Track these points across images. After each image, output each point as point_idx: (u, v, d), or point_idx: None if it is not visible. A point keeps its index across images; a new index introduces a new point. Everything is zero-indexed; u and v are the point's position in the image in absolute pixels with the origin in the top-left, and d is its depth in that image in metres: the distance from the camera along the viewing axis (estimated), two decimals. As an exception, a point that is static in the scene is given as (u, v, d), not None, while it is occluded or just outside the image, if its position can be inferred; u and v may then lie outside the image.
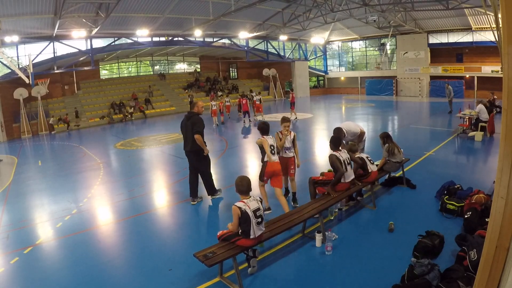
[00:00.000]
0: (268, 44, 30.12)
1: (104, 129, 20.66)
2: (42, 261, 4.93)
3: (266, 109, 20.63)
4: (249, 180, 4.16)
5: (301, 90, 32.69)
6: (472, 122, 11.74)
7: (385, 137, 6.81)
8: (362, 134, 7.12)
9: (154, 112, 25.15)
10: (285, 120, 6.04)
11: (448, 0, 17.47)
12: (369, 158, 6.14)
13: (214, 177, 8.65)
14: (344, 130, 6.92)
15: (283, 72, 32.64)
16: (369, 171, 5.99)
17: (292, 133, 6.12)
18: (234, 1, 18.38)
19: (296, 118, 17.75)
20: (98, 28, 18.21)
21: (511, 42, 1.97)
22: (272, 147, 5.80)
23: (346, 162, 5.61)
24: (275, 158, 5.80)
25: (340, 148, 5.78)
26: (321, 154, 10.26)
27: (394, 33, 27.87)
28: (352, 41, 33.08)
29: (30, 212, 7.03)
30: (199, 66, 33.28)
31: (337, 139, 5.84)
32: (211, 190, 6.81)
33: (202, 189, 6.91)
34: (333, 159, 5.53)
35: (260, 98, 18.30)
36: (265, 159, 5.72)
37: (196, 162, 6.53)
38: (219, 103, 19.42)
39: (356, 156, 6.12)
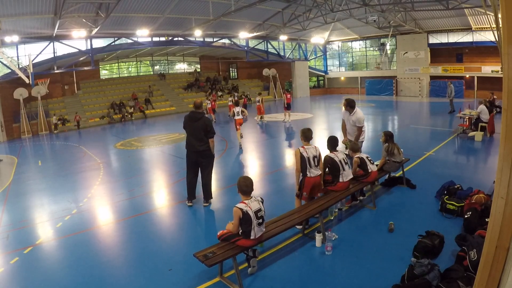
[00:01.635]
0: (268, 44, 30.12)
1: (104, 129, 20.66)
2: (42, 261, 4.93)
3: (266, 109, 20.60)
4: (252, 180, 4.14)
5: (301, 90, 32.70)
6: (472, 122, 11.73)
7: (388, 136, 6.78)
8: (360, 130, 6.79)
9: (154, 112, 25.15)
10: (306, 136, 5.37)
11: (448, 0, 17.47)
12: (369, 158, 6.13)
13: (214, 177, 8.68)
14: (358, 108, 6.79)
15: (283, 72, 32.63)
16: (369, 171, 5.98)
17: (317, 149, 5.41)
18: (234, 1, 18.37)
19: (289, 121, 17.19)
20: (98, 28, 18.20)
21: (511, 42, 1.97)
22: (237, 112, 12.11)
23: (343, 162, 5.61)
24: (239, 116, 12.05)
25: (337, 148, 5.78)
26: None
27: (394, 33, 27.87)
28: (352, 41, 33.08)
29: (30, 212, 7.02)
30: (199, 66, 33.28)
31: (334, 139, 5.83)
32: (209, 195, 6.62)
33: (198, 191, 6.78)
34: (323, 161, 5.57)
35: (260, 99, 17.66)
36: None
37: (205, 163, 6.45)
38: (211, 102, 20.36)
39: (356, 156, 6.11)
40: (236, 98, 20.68)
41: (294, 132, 15.02)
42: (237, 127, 12.13)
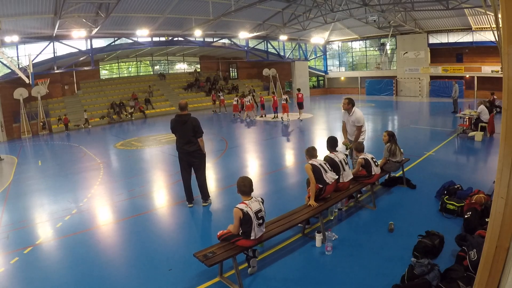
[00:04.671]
0: (268, 44, 30.11)
1: (104, 129, 20.66)
2: (42, 261, 4.93)
3: (268, 109, 20.59)
4: (251, 180, 4.13)
5: (301, 90, 32.67)
6: (472, 122, 11.73)
7: (391, 136, 6.77)
8: (360, 129, 6.75)
9: (154, 112, 25.15)
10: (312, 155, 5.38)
11: (448, 0, 17.48)
12: (374, 159, 6.07)
13: (214, 177, 8.70)
14: (356, 108, 6.76)
15: (283, 72, 32.62)
16: (373, 173, 5.93)
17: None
18: (234, 1, 18.38)
19: (300, 119, 17.92)
20: (98, 28, 18.20)
21: (511, 42, 1.97)
22: (247, 100, 19.28)
23: (343, 162, 5.60)
24: (248, 103, 19.09)
25: (336, 149, 5.78)
26: (321, 155, 10.24)
27: (394, 33, 27.87)
28: (352, 41, 33.08)
29: (30, 212, 7.03)
30: (199, 66, 33.27)
31: (334, 140, 5.82)
32: (207, 195, 6.61)
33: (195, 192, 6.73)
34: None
35: (286, 98, 17.98)
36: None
37: (198, 163, 6.42)
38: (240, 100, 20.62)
39: (361, 156, 6.09)
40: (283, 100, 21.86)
41: (305, 129, 15.04)
42: (246, 111, 19.02)
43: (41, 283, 4.30)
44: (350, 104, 6.72)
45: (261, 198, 4.24)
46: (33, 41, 19.45)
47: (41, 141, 17.98)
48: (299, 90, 18.86)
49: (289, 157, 11.04)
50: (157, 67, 32.06)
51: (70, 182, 9.15)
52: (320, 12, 22.17)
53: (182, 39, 24.30)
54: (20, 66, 19.03)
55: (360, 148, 6.22)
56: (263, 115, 19.78)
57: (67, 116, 21.47)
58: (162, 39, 23.66)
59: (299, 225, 5.07)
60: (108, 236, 5.70)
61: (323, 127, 16.16)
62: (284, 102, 17.86)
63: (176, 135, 6.44)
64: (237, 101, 20.75)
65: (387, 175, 6.99)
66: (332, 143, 5.80)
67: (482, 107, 11.37)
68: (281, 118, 17.97)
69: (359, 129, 6.73)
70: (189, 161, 6.41)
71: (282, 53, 31.76)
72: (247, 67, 34.53)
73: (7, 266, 4.74)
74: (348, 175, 5.66)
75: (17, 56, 19.94)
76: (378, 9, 20.16)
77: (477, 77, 24.49)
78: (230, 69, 35.11)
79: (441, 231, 4.55)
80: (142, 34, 21.67)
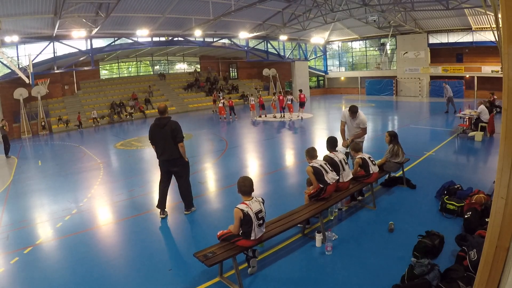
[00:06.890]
0: (268, 44, 30.11)
1: (104, 129, 20.66)
2: (42, 261, 4.93)
3: (268, 109, 20.58)
4: (252, 180, 4.13)
5: (302, 91, 32.69)
6: (472, 122, 11.73)
7: (393, 136, 6.76)
8: (365, 130, 6.84)
9: (154, 112, 25.12)
10: (312, 156, 5.44)
11: (448, 0, 17.47)
12: (371, 159, 6.10)
13: (214, 177, 8.70)
14: (359, 111, 6.82)
15: (283, 72, 32.62)
16: (371, 172, 5.96)
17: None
18: (234, 1, 18.39)
19: (301, 117, 18.35)
20: (98, 28, 18.21)
21: (511, 42, 1.97)
22: (251, 100, 19.67)
23: (343, 162, 5.61)
24: (252, 102, 19.46)
25: (336, 149, 5.78)
26: (320, 154, 10.24)
27: (394, 33, 27.87)
28: (352, 41, 33.08)
29: (30, 212, 7.03)
30: (199, 66, 33.26)
31: (334, 140, 5.83)
32: (190, 203, 6.21)
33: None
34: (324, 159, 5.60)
35: (292, 98, 18.88)
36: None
37: (179, 171, 5.98)
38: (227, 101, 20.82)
39: (358, 156, 6.09)
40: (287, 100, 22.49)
41: (305, 129, 15.05)
42: (250, 109, 19.45)
43: (41, 283, 4.30)
44: (352, 113, 6.84)
45: (262, 198, 4.23)
46: (33, 41, 19.46)
47: (41, 141, 17.98)
48: (301, 91, 19.51)
49: (289, 157, 11.04)
50: (157, 67, 32.05)
51: (70, 182, 9.15)
52: (320, 12, 22.17)
53: (182, 39, 24.29)
54: (20, 66, 19.05)
55: (357, 148, 6.24)
56: (263, 115, 19.83)
57: (80, 114, 21.71)
58: (162, 39, 23.65)
59: (299, 225, 5.07)
60: (108, 236, 5.70)
61: (323, 127, 16.16)
62: (290, 102, 18.48)
63: (154, 143, 5.94)
64: (223, 103, 20.56)
65: (387, 175, 6.99)
66: (332, 143, 5.82)
67: (482, 107, 11.35)
68: (282, 116, 18.88)
69: (364, 130, 6.85)
70: (170, 170, 5.97)
71: (282, 53, 31.76)
72: (247, 67, 34.53)
73: (7, 266, 4.74)
74: (348, 174, 5.67)
75: (17, 56, 19.95)
76: (378, 9, 20.15)
77: (477, 77, 24.49)
78: (230, 69, 35.10)
79: (441, 231, 4.55)
80: (142, 34, 21.66)
